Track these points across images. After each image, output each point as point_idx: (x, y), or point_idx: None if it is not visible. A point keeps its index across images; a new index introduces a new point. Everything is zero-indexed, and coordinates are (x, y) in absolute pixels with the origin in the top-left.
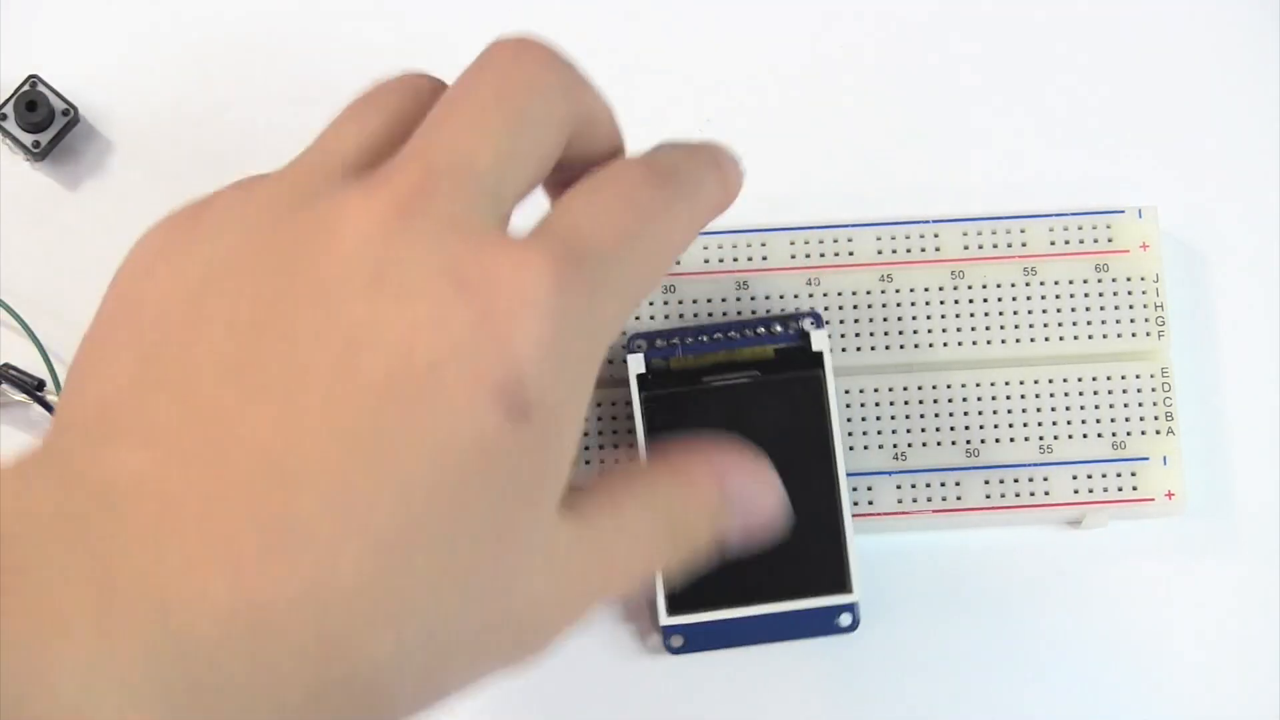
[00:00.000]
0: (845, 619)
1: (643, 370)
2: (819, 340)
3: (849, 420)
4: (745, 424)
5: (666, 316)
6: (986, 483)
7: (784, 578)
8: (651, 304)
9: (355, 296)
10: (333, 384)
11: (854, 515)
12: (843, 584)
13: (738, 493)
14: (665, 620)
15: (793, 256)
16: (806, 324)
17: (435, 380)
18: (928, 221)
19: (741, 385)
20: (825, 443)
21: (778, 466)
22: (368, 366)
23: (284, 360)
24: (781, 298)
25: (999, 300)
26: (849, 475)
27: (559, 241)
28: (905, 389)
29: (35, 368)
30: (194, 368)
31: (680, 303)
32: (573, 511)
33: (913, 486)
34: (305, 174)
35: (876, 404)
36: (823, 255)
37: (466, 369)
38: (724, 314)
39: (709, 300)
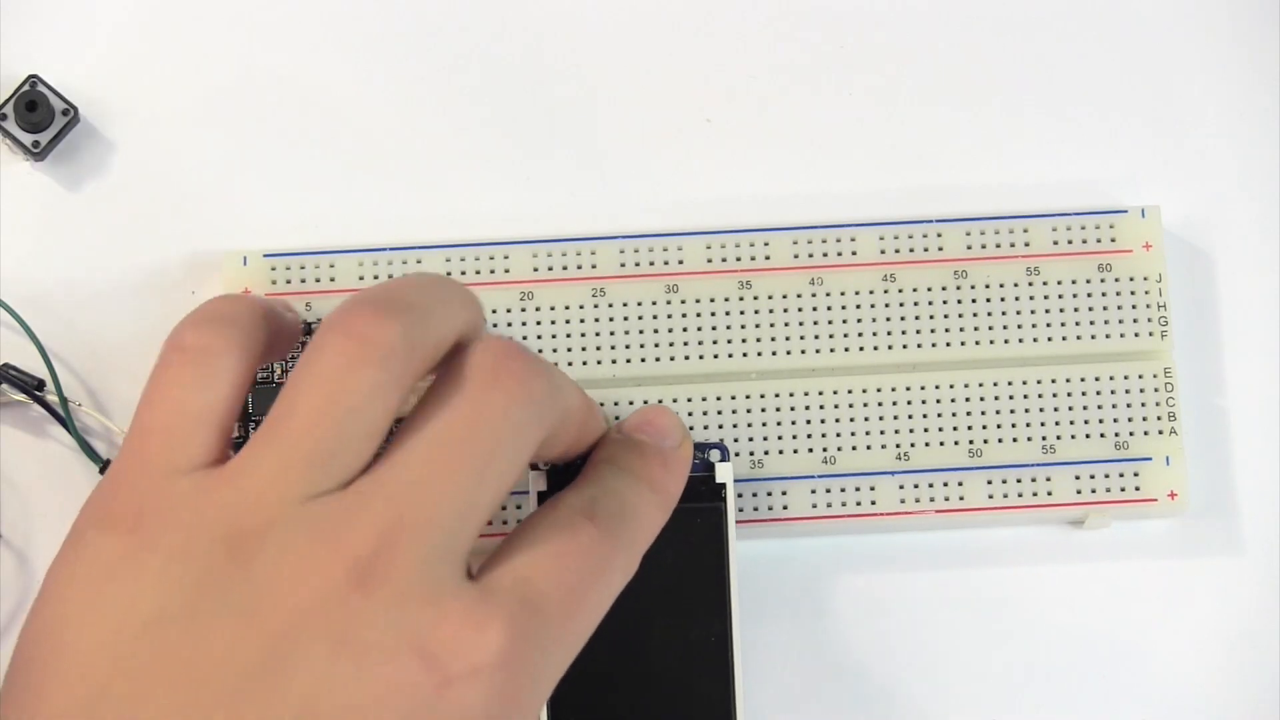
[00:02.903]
0: None
1: (544, 488)
2: (723, 473)
3: (852, 420)
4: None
5: (670, 316)
6: (989, 483)
7: (670, 713)
8: (655, 303)
9: (314, 658)
10: None
11: (857, 516)
12: None
13: None
14: None
15: (795, 256)
16: (712, 455)
17: None
18: (930, 221)
19: None
20: (721, 576)
21: (671, 597)
22: None
23: None
24: (785, 297)
25: (1001, 300)
26: (849, 475)
27: (514, 599)
28: (908, 389)
29: (35, 368)
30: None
31: (684, 302)
32: None
33: (915, 487)
34: (257, 496)
35: (879, 404)
36: (825, 255)
37: None
38: (726, 313)
39: (711, 300)
